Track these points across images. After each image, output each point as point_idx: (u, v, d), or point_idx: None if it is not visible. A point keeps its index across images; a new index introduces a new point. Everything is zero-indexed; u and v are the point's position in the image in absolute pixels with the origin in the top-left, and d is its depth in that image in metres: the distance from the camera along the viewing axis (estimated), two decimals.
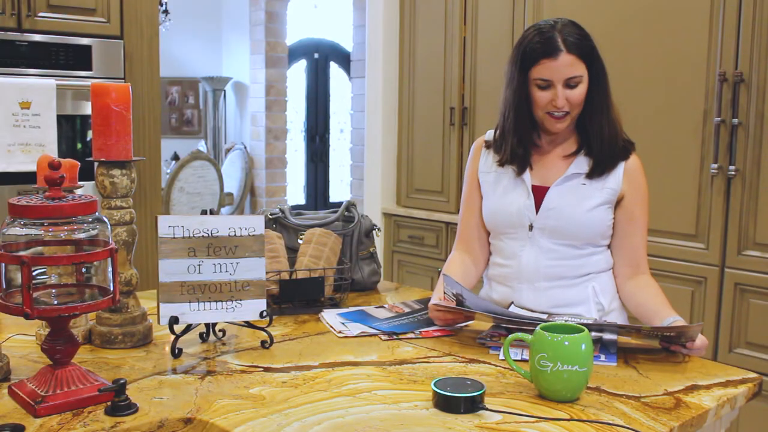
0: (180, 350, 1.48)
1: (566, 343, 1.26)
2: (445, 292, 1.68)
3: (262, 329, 1.57)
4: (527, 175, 1.79)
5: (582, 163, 1.77)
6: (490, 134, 1.89)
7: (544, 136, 1.80)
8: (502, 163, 1.82)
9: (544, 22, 1.72)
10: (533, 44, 1.69)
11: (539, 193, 1.78)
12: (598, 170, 1.75)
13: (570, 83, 1.68)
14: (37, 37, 3.06)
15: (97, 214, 1.26)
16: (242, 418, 1.18)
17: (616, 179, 1.76)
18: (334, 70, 7.91)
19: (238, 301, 1.53)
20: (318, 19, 7.79)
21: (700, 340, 1.52)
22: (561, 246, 1.76)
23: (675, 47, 2.82)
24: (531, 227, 1.77)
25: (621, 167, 1.76)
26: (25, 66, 3.05)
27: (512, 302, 1.81)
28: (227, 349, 1.54)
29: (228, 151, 6.99)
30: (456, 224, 1.96)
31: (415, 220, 3.90)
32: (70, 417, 1.17)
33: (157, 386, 1.32)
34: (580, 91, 1.70)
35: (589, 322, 1.62)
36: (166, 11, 5.96)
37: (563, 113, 1.71)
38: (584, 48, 1.69)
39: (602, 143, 1.75)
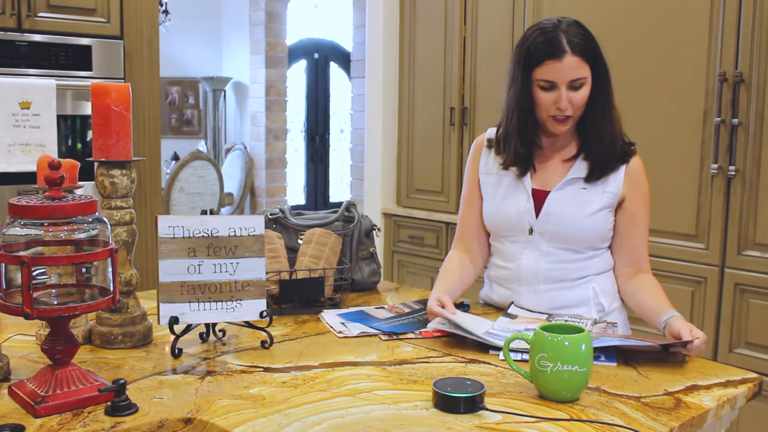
0: (180, 350, 1.48)
1: (566, 343, 1.26)
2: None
3: (262, 329, 1.57)
4: (527, 178, 1.78)
5: (581, 167, 1.76)
6: (490, 132, 1.87)
7: (545, 138, 1.79)
8: (506, 166, 1.80)
9: (548, 21, 1.69)
10: (537, 44, 1.66)
11: (539, 197, 1.77)
12: (596, 173, 1.73)
13: (574, 85, 1.66)
14: (37, 37, 3.06)
15: (97, 214, 1.26)
16: (242, 418, 1.18)
17: (617, 183, 1.75)
18: (334, 70, 7.91)
19: (238, 301, 1.53)
20: (318, 19, 7.79)
21: (699, 340, 1.52)
22: (561, 250, 1.76)
23: (675, 47, 2.82)
24: (531, 231, 1.77)
25: (622, 170, 1.75)
26: (25, 66, 3.05)
27: (512, 302, 1.81)
28: (227, 349, 1.54)
29: (228, 151, 6.99)
30: (456, 224, 1.96)
31: (415, 220, 3.90)
32: (70, 417, 1.17)
33: (157, 386, 1.32)
34: (583, 94, 1.67)
35: (590, 325, 1.62)
36: (166, 11, 5.96)
37: (566, 116, 1.69)
38: (588, 49, 1.66)
39: (602, 146, 1.73)
